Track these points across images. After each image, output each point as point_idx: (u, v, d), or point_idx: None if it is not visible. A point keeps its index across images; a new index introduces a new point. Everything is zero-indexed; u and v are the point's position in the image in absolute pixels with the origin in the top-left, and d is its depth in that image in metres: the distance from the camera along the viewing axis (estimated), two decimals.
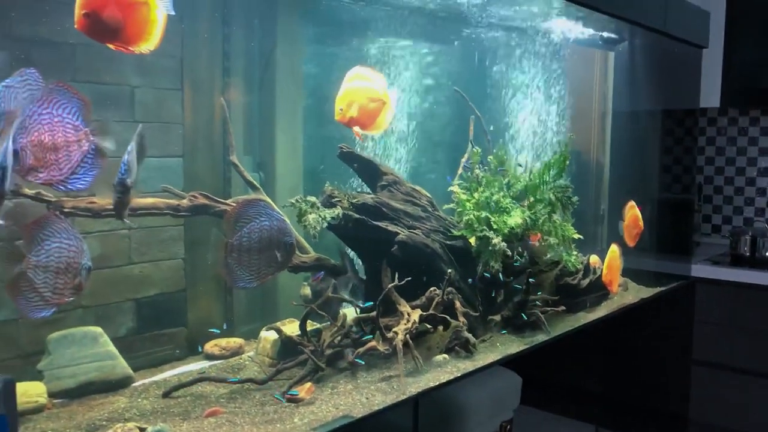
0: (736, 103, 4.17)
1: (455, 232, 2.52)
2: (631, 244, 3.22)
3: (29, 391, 1.80)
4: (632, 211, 3.22)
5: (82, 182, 1.60)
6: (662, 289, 3.47)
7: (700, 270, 3.70)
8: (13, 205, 1.59)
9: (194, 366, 2.22)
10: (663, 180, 3.96)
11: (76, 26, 1.52)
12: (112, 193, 1.65)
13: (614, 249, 3.05)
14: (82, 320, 2.03)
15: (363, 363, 2.12)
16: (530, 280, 2.56)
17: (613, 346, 3.91)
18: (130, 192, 1.65)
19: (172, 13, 1.62)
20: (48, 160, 1.53)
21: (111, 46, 1.58)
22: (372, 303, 2.21)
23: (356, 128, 2.23)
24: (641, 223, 3.24)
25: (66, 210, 1.77)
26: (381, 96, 2.26)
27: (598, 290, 3.03)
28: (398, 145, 3.06)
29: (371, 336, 2.19)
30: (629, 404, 3.98)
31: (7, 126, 1.42)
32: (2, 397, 1.18)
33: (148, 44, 1.62)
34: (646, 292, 3.36)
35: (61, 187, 1.59)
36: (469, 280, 2.51)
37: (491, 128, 3.04)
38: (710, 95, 4.02)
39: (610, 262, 3.01)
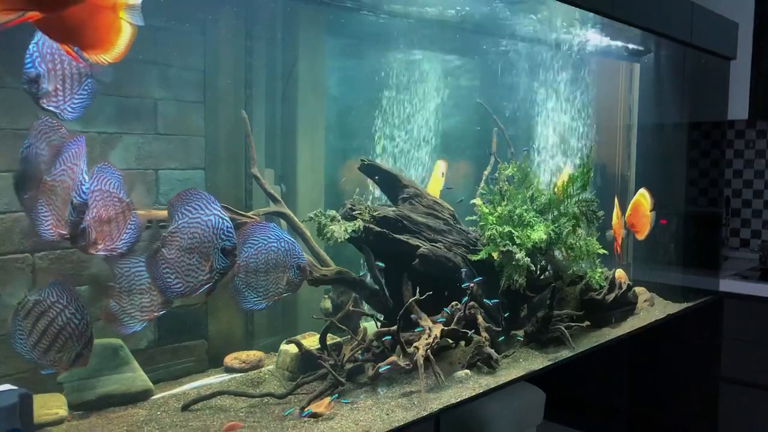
0: (765, 115, 4.10)
1: (475, 257, 2.47)
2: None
3: (49, 403, 1.81)
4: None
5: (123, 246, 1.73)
6: (689, 304, 3.40)
7: (728, 285, 3.63)
8: None
9: (214, 379, 2.21)
10: (690, 193, 3.89)
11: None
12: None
13: (642, 192, 3.14)
14: (103, 332, 2.03)
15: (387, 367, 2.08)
16: (554, 294, 2.52)
17: (640, 362, 3.84)
18: None
19: (141, 24, 1.42)
20: (104, 232, 1.65)
21: (63, 48, 1.41)
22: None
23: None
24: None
25: None
26: (440, 177, 2.86)
27: (624, 305, 2.97)
28: (423, 156, 3.06)
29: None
30: (655, 421, 3.90)
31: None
32: (18, 411, 1.18)
33: (108, 55, 1.41)
34: (673, 308, 3.29)
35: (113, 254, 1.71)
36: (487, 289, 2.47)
37: (525, 150, 3.07)
38: (738, 107, 3.95)
39: (635, 205, 3.09)
